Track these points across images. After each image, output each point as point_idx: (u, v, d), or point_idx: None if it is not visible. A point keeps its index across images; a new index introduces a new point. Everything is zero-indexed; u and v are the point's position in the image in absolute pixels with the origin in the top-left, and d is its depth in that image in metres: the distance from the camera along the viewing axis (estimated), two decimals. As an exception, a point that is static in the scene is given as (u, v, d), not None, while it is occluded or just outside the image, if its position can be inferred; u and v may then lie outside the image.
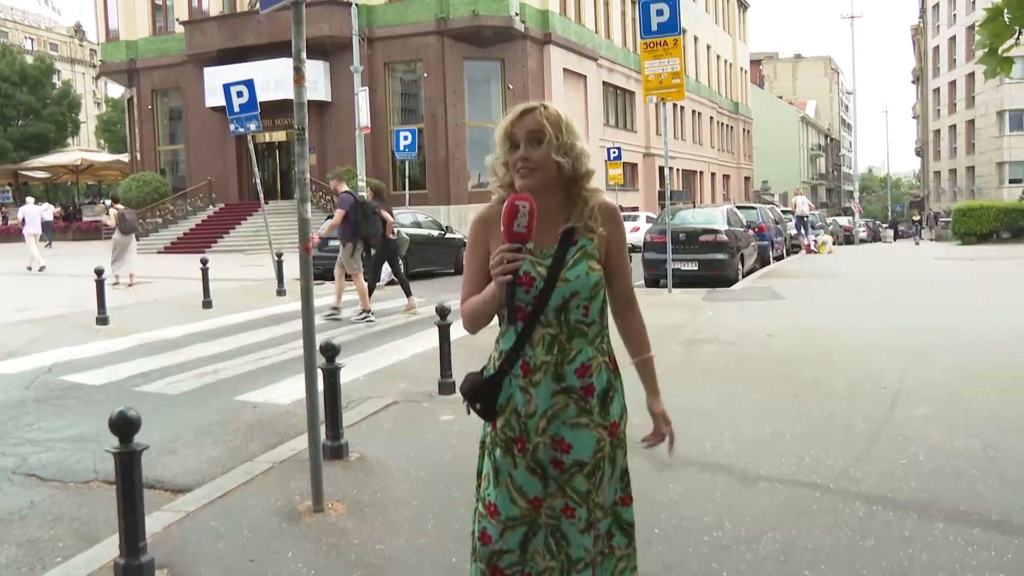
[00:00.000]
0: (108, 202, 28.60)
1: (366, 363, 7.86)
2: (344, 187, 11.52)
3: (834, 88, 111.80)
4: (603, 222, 2.31)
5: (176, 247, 28.88)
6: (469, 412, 2.31)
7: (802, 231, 27.20)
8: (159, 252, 28.56)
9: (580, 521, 2.26)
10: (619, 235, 2.37)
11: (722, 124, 57.29)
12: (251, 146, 17.12)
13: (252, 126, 16.08)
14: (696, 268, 15.21)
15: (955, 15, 55.81)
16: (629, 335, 2.45)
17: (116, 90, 59.06)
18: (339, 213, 11.10)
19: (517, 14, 30.15)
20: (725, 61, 58.00)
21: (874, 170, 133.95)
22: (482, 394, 2.25)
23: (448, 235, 19.80)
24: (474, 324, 2.29)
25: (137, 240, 17.32)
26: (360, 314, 11.07)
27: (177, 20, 34.52)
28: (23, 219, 21.51)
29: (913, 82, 74.88)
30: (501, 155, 2.28)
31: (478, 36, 30.07)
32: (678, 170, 45.25)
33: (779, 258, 22.60)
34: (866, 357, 7.68)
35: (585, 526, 2.27)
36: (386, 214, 11.81)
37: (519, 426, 2.25)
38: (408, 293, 11.79)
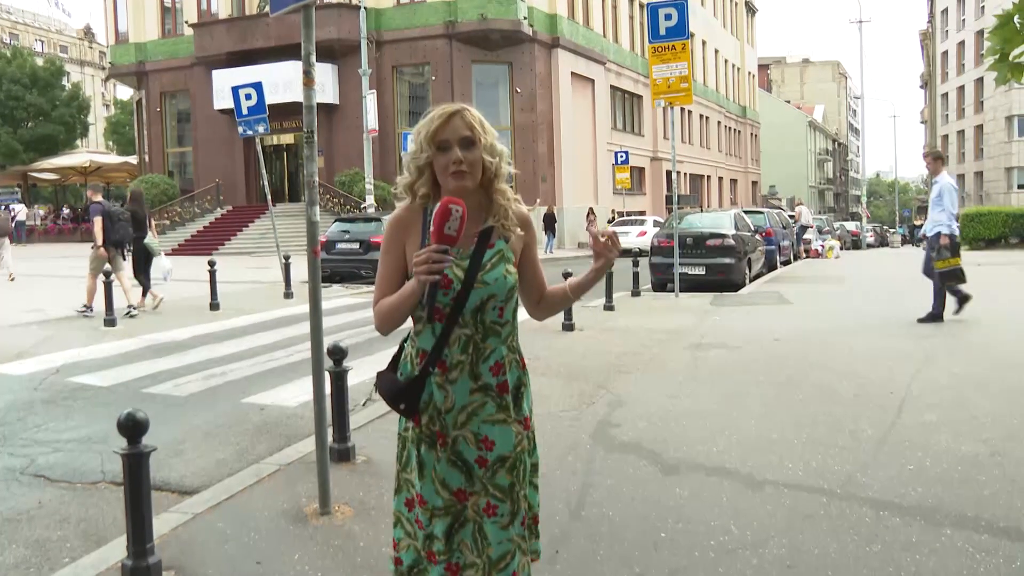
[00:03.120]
0: None
1: (373, 366, 7.82)
2: (98, 197, 12.42)
3: (842, 93, 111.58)
4: (520, 227, 2.38)
5: (184, 249, 28.94)
6: (365, 405, 2.39)
7: (802, 238, 27.74)
8: (166, 254, 28.52)
9: (503, 517, 2.33)
10: (532, 239, 2.44)
11: (730, 128, 57.27)
12: (259, 148, 17.18)
13: (260, 128, 16.14)
14: (703, 272, 15.19)
15: (964, 20, 55.66)
16: (551, 296, 2.51)
17: (125, 92, 59.41)
18: (96, 222, 11.85)
19: (525, 18, 30.19)
20: (733, 65, 57.97)
21: (882, 175, 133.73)
22: (405, 396, 2.32)
23: None
24: (388, 324, 2.32)
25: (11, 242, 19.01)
26: (82, 308, 11.86)
27: (186, 23, 34.66)
28: None
29: (921, 87, 74.62)
30: (422, 158, 2.28)
31: (486, 40, 30.12)
32: (685, 174, 45.23)
33: (786, 263, 22.56)
34: (873, 362, 7.66)
35: (508, 520, 2.33)
36: (144, 219, 12.73)
37: (439, 421, 2.32)
38: (144, 292, 12.59)
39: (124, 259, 12.39)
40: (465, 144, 2.25)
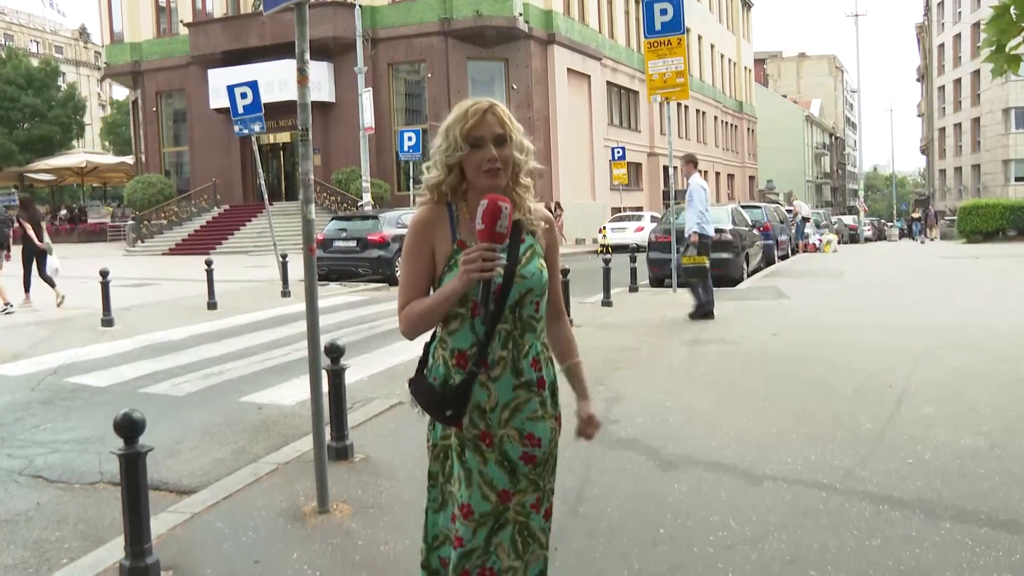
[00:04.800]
0: None
1: (370, 364, 7.86)
2: None
3: (839, 86, 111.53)
4: (543, 221, 2.37)
5: (181, 249, 28.92)
6: (422, 415, 2.33)
7: (803, 232, 27.72)
8: (164, 254, 28.61)
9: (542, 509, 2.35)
10: (554, 242, 2.41)
11: (726, 123, 57.22)
12: (255, 147, 17.13)
13: (256, 127, 16.11)
14: (701, 267, 15.15)
15: (960, 13, 55.66)
16: (559, 342, 2.49)
17: (121, 92, 59.32)
18: None
19: (521, 14, 30.14)
20: (729, 60, 57.91)
21: (879, 168, 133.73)
22: (452, 403, 2.25)
23: None
24: (420, 327, 2.27)
25: None
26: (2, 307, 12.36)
27: (181, 22, 34.59)
28: None
29: (918, 80, 74.67)
30: (456, 156, 2.24)
31: (482, 36, 30.07)
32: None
33: (784, 257, 22.56)
34: (871, 356, 7.65)
35: (538, 509, 2.35)
36: (27, 223, 13.14)
37: (483, 421, 2.27)
38: (25, 290, 13.04)
39: (5, 260, 12.86)
40: (498, 141, 2.23)
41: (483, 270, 2.08)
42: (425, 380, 2.33)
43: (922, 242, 37.18)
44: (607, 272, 12.02)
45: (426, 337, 2.39)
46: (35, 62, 53.77)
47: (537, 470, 2.30)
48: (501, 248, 2.19)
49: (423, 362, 2.39)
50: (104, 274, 11.07)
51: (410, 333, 2.29)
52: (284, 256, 14.99)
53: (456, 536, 2.30)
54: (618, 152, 30.46)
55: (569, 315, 9.75)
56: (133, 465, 3.33)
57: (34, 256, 13.18)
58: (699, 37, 48.99)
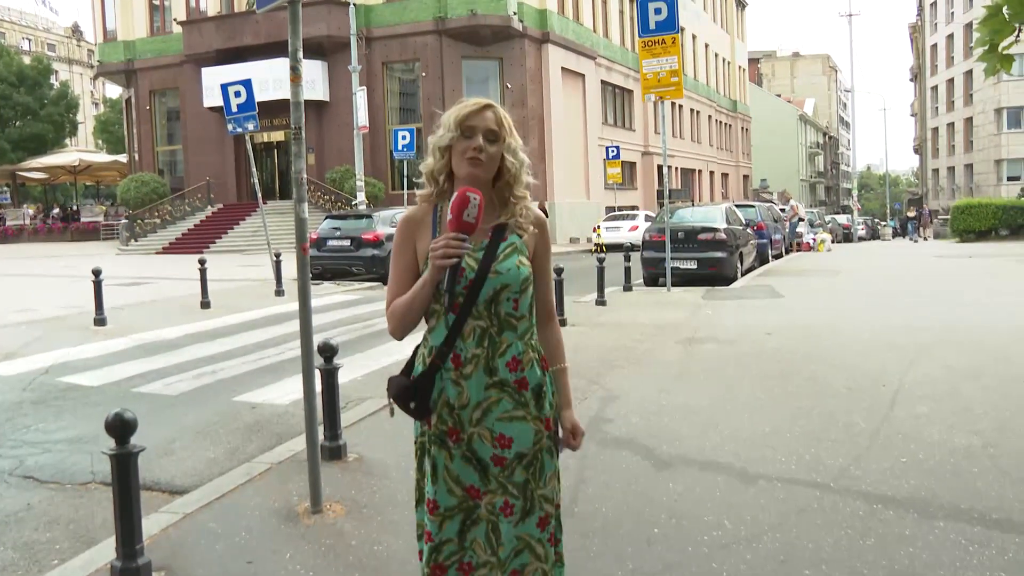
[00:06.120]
0: None
1: (364, 363, 7.84)
2: None
3: (832, 86, 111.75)
4: (534, 225, 2.36)
5: (174, 247, 28.84)
6: (392, 414, 2.36)
7: (797, 231, 27.58)
8: (157, 252, 28.52)
9: (517, 514, 2.29)
10: (545, 244, 2.40)
11: (720, 122, 57.29)
12: (249, 146, 17.08)
13: (250, 126, 16.04)
14: (695, 267, 15.19)
15: (953, 13, 55.81)
16: (547, 345, 2.44)
17: (114, 91, 59.13)
18: None
19: (515, 13, 30.11)
20: (723, 59, 57.99)
21: (873, 168, 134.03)
22: (413, 393, 2.27)
23: None
24: (403, 323, 2.28)
25: None
26: None
27: (175, 20, 34.49)
28: None
29: (911, 80, 74.91)
30: (446, 138, 2.28)
31: (476, 35, 30.05)
32: (677, 169, 45.23)
33: (778, 256, 22.60)
34: (866, 355, 7.66)
35: (519, 518, 2.29)
36: None
37: (452, 418, 2.27)
38: None
39: None
40: (489, 136, 2.26)
41: (446, 256, 2.10)
42: (402, 377, 2.35)
43: (915, 241, 37.25)
44: (601, 271, 12.02)
45: (417, 339, 2.39)
46: (27, 60, 53.54)
47: (505, 472, 2.27)
48: (478, 247, 2.22)
49: (409, 363, 2.39)
50: (97, 273, 11.02)
51: (395, 330, 2.31)
52: (278, 255, 14.94)
53: (426, 531, 2.32)
54: (612, 151, 30.47)
55: (563, 314, 9.80)
56: (125, 465, 3.32)
57: None
58: (693, 36, 49.02)
